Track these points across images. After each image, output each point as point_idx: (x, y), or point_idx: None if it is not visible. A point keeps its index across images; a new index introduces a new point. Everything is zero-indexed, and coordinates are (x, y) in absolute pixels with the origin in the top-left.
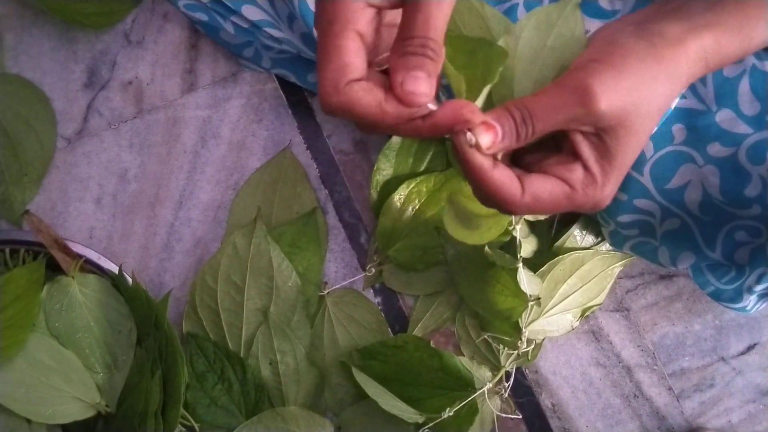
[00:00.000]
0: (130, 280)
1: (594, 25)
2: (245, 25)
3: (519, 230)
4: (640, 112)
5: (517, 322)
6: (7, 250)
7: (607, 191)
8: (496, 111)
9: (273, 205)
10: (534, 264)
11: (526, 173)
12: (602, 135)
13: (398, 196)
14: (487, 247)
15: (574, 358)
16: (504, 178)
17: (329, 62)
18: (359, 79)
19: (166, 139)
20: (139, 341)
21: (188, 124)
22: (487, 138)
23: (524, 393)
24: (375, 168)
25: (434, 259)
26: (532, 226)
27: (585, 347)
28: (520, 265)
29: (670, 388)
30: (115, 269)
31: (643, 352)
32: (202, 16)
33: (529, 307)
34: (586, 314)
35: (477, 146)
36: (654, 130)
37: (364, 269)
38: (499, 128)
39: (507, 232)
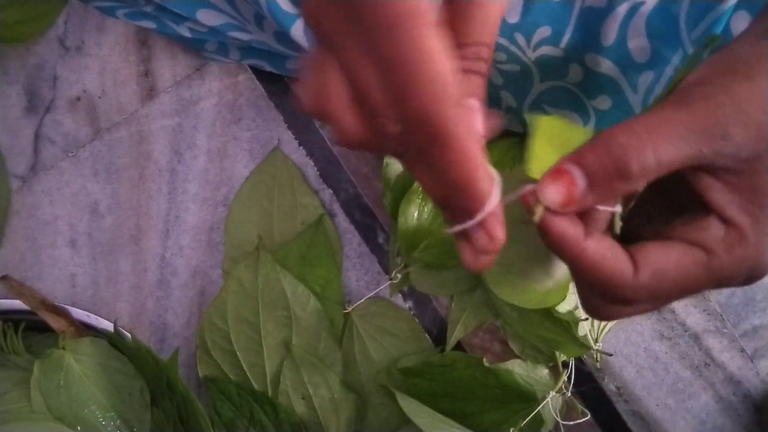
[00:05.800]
0: (129, 335)
1: None
2: (203, 30)
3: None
4: None
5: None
6: None
7: (764, 247)
8: (577, 150)
9: (272, 218)
10: None
11: (638, 246)
12: (743, 169)
13: (417, 191)
14: None
15: (635, 335)
16: (603, 250)
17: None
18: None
19: (135, 159)
20: (154, 401)
21: (157, 138)
22: (554, 190)
23: (585, 380)
24: (384, 163)
25: None
26: None
27: (645, 321)
28: (583, 320)
29: (742, 350)
30: (109, 326)
31: (709, 316)
32: (149, 24)
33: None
34: None
35: (547, 207)
36: None
37: (387, 272)
38: (577, 172)
39: None
